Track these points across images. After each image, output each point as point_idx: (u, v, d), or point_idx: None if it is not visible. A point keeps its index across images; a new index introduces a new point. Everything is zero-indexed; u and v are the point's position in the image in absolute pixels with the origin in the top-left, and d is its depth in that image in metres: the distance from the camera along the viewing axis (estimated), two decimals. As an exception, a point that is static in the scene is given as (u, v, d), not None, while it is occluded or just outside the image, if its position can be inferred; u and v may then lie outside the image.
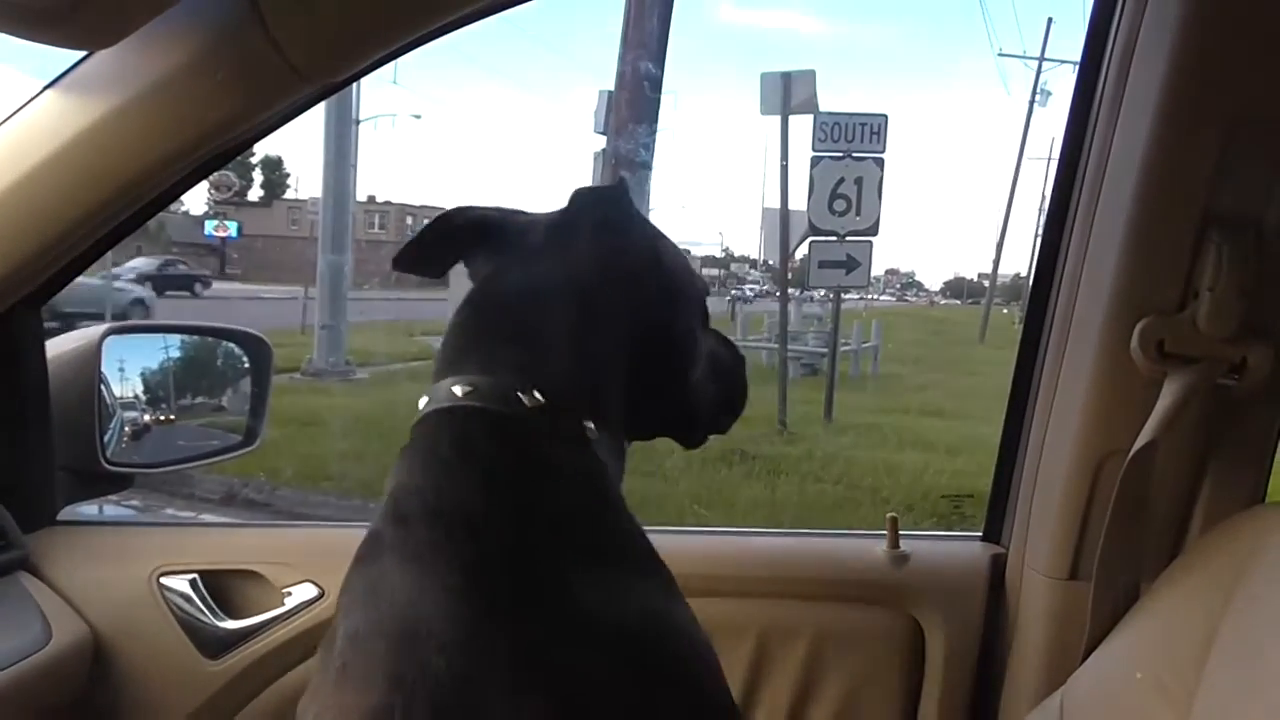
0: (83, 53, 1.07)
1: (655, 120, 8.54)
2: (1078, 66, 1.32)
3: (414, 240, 1.06)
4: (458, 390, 0.91)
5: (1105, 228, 1.24)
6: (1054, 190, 1.37)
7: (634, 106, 8.20)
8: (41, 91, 1.11)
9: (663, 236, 1.08)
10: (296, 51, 1.05)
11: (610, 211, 1.03)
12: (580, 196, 1.04)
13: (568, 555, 0.84)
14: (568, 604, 0.80)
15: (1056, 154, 1.38)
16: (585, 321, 0.96)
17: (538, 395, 0.91)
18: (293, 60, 1.05)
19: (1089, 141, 1.29)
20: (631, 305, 1.00)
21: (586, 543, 0.87)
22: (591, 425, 0.93)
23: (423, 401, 0.94)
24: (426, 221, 1.07)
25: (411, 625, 0.76)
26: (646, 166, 8.45)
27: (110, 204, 1.18)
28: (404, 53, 1.16)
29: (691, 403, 1.10)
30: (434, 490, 0.87)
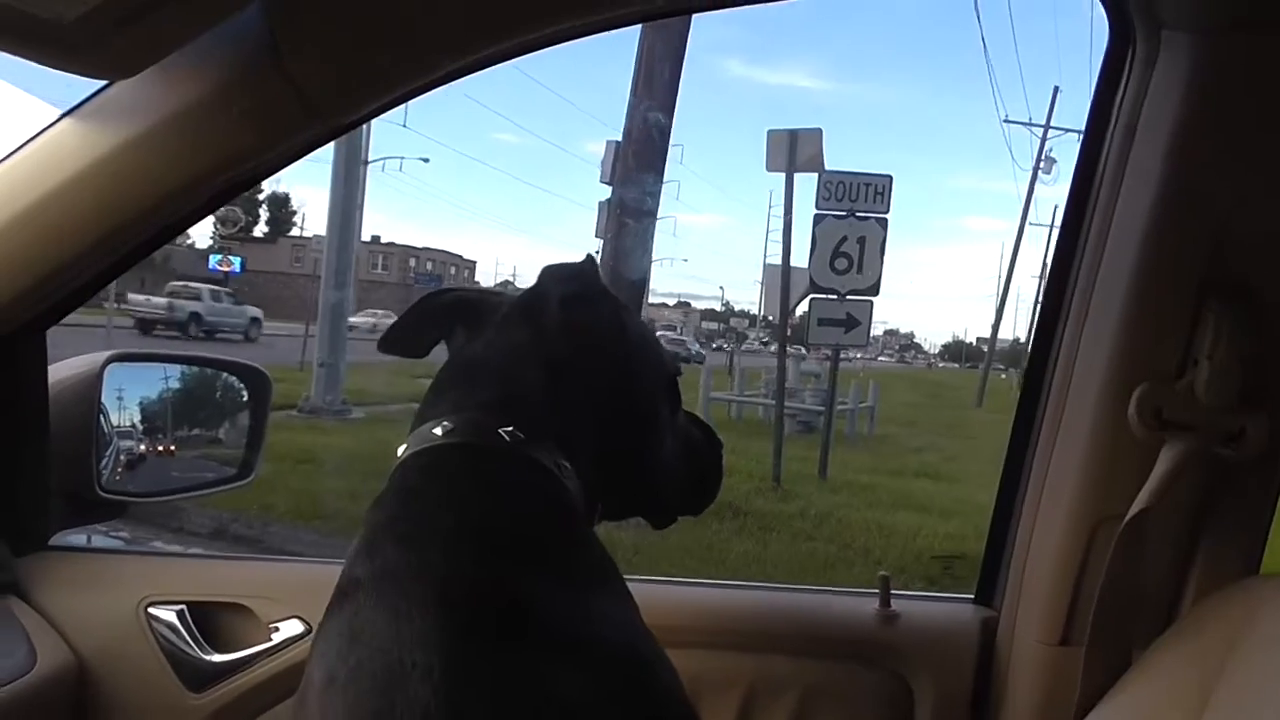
0: (103, 82, 1.09)
1: (661, 172, 8.61)
2: (1081, 137, 1.34)
3: (397, 322, 1.14)
4: (437, 431, 0.95)
5: (1105, 294, 1.25)
6: (1055, 256, 1.38)
7: (641, 158, 8.26)
8: (60, 118, 1.13)
9: (629, 311, 1.12)
10: (312, 89, 1.07)
11: (576, 286, 1.07)
12: (549, 272, 1.10)
13: (540, 574, 0.85)
14: (546, 622, 0.81)
15: (1058, 222, 1.40)
16: (551, 376, 1.01)
17: (510, 430, 0.94)
18: (307, 97, 1.07)
19: (1091, 209, 1.30)
20: (595, 369, 1.04)
21: (558, 561, 0.89)
22: (566, 464, 0.97)
23: (401, 449, 0.97)
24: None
25: (393, 659, 0.76)
26: (651, 217, 8.50)
27: (120, 233, 1.19)
28: (416, 95, 1.18)
29: (657, 478, 1.13)
30: (405, 518, 0.88)
